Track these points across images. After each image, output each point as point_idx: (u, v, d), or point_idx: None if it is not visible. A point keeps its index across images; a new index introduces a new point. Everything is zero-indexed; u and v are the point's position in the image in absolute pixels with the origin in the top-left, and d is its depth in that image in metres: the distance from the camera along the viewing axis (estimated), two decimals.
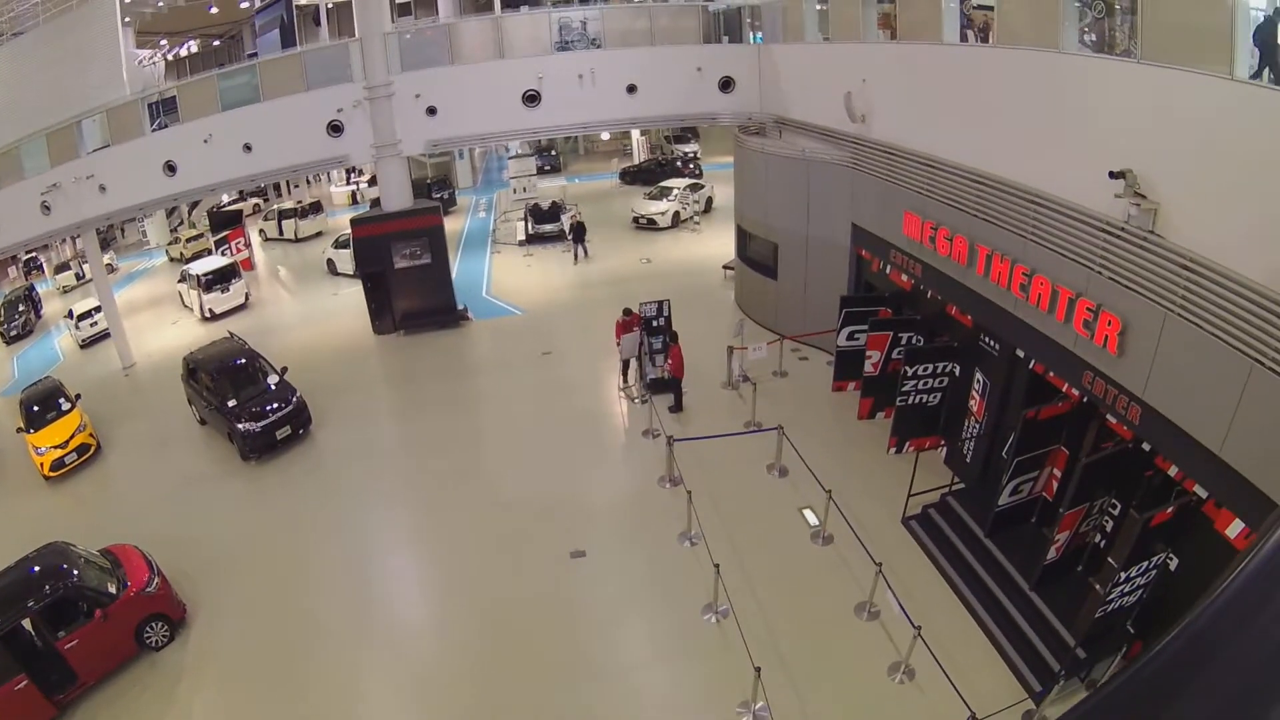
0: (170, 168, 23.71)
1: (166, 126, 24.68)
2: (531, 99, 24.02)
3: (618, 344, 19.88)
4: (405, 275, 25.79)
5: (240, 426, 19.61)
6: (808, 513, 14.66)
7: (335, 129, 23.93)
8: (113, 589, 14.28)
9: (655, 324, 19.29)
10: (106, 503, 19.64)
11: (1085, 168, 10.23)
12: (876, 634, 11.93)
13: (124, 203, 24.77)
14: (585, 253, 31.09)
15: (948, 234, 13.43)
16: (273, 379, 21.03)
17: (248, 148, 23.75)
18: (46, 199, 23.99)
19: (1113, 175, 9.48)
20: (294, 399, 20.57)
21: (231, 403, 19.97)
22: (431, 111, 24.10)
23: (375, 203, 33.18)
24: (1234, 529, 8.90)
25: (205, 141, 23.42)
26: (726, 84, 23.25)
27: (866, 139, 16.75)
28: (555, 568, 14.47)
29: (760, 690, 10.61)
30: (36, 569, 14.19)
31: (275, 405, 20.10)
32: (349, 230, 33.40)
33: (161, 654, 14.22)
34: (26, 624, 14.09)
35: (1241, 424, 8.36)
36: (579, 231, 31.07)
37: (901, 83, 15.64)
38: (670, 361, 18.46)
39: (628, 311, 19.50)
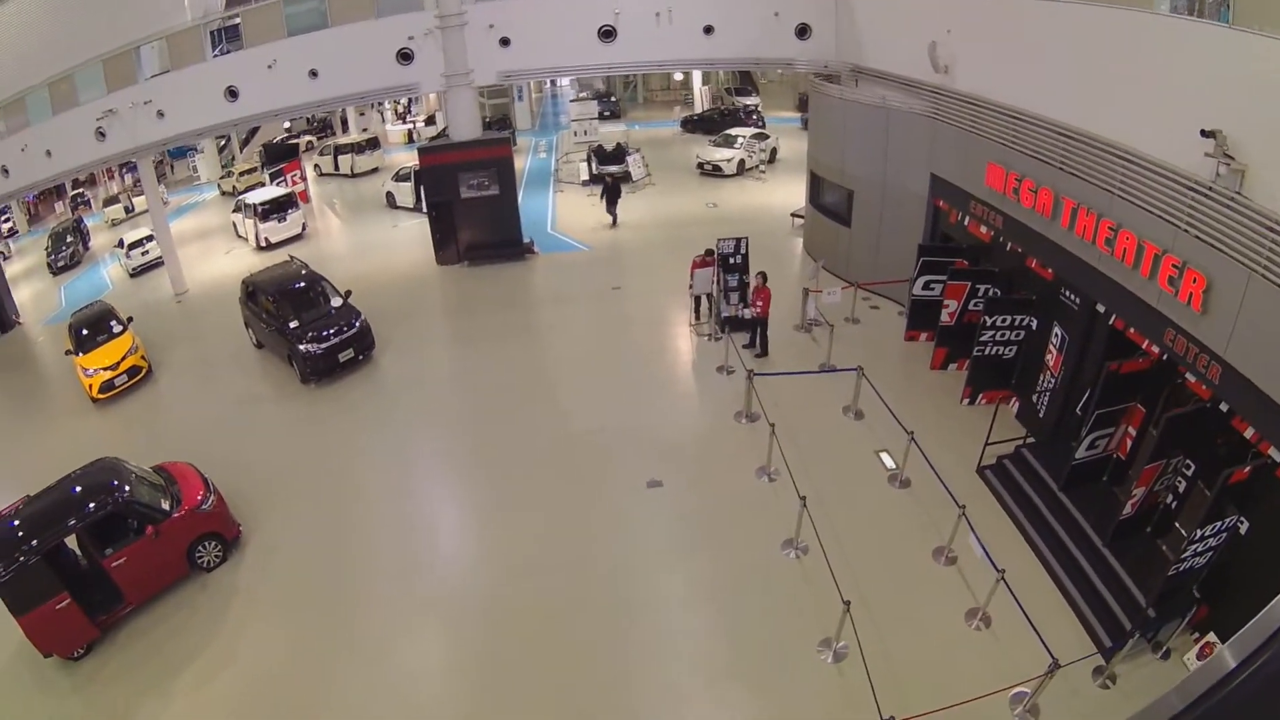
0: (232, 93, 24.43)
1: (229, 53, 25.24)
2: (607, 34, 24.37)
3: (690, 281, 20.28)
4: (471, 206, 26.29)
5: (301, 348, 19.84)
6: (884, 456, 14.98)
7: (405, 56, 24.45)
8: (166, 506, 14.14)
9: (732, 261, 19.61)
10: (158, 424, 19.90)
11: (1174, 126, 10.52)
12: (953, 579, 12.20)
13: (182, 128, 25.53)
14: (615, 219, 29.53)
15: (1032, 186, 13.71)
16: (336, 302, 21.27)
17: (314, 74, 24.41)
18: (102, 125, 24.71)
19: (1204, 134, 9.77)
20: (357, 322, 20.73)
21: (293, 324, 20.18)
22: (505, 43, 24.51)
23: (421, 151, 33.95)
24: None
25: (269, 67, 24.07)
26: (803, 30, 23.35)
27: (948, 89, 16.99)
28: (631, 497, 14.75)
29: (843, 627, 10.87)
30: (84, 484, 13.94)
31: (338, 328, 20.30)
32: (409, 164, 34.25)
33: (213, 575, 14.34)
34: (72, 541, 14.03)
35: None
36: (613, 192, 29.69)
37: (988, 35, 15.81)
38: (760, 303, 18.50)
39: (709, 252, 19.85)
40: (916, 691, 10.22)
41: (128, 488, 13.80)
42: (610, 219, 29.30)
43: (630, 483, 15.10)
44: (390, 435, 17.77)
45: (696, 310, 20.93)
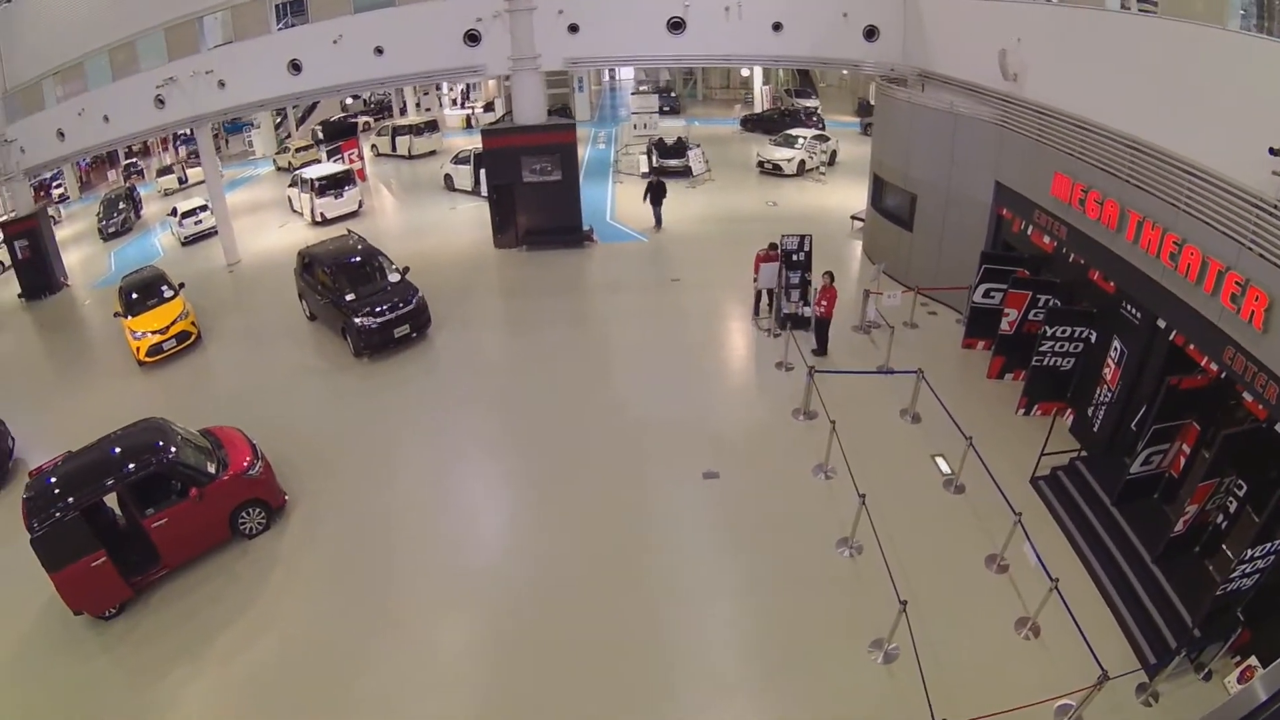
0: (295, 66, 25.05)
1: (293, 26, 25.93)
2: (676, 26, 24.76)
3: (755, 275, 20.49)
4: (533, 190, 26.69)
5: (357, 321, 19.97)
6: (940, 460, 15.10)
7: (472, 38, 24.97)
8: (211, 469, 14.13)
9: (795, 258, 19.81)
10: (205, 390, 20.20)
11: (1242, 143, 10.61)
12: (1005, 588, 12.23)
13: (243, 99, 26.26)
14: (660, 220, 28.84)
15: (1099, 197, 13.79)
16: (393, 277, 21.47)
17: (379, 51, 24.97)
18: (161, 92, 25.48)
19: (1272, 152, 9.86)
20: (414, 299, 20.90)
21: (349, 297, 20.36)
22: (573, 29, 24.96)
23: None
24: None
25: (335, 42, 24.70)
26: (871, 32, 23.58)
27: (1017, 97, 17.11)
28: (687, 487, 14.90)
29: (897, 629, 10.97)
30: (127, 443, 13.93)
31: (394, 303, 20.47)
32: (468, 148, 34.79)
33: (255, 542, 14.40)
34: (112, 500, 14.10)
35: None
36: (658, 192, 28.76)
37: (1059, 45, 15.92)
38: (825, 303, 18.60)
39: (773, 245, 20.10)
40: (964, 697, 10.32)
41: (173, 448, 13.84)
42: (655, 220, 28.88)
43: (686, 472, 15.26)
44: (442, 414, 17.95)
45: (757, 305, 21.15)
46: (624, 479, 15.36)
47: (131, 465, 13.36)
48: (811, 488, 14.78)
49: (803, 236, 19.89)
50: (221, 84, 25.52)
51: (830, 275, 18.74)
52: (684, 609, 12.34)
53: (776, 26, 24.40)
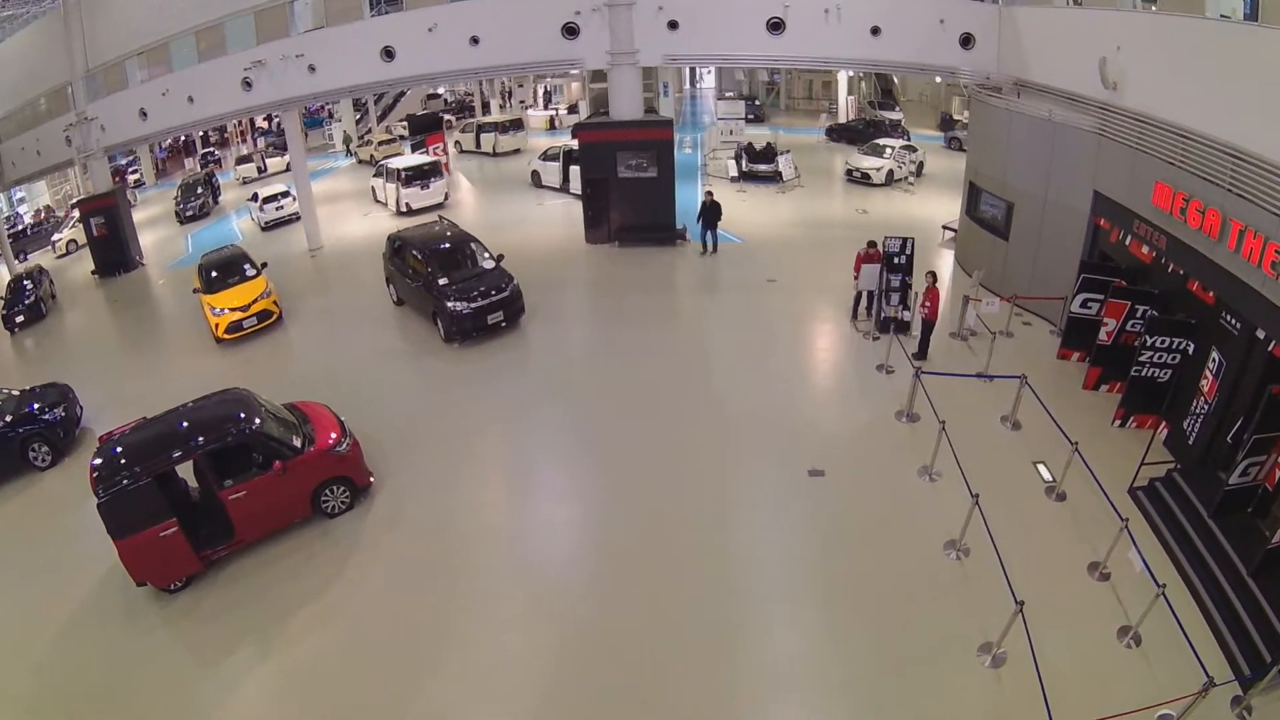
0: (388, 53, 25.86)
1: (386, 13, 26.59)
2: (775, 26, 25.22)
3: (855, 276, 20.80)
4: (627, 186, 27.15)
5: (449, 305, 20.27)
6: (1041, 467, 15.17)
7: (570, 31, 25.57)
8: (297, 443, 14.03)
9: (896, 261, 20.12)
10: (286, 368, 20.57)
11: None
12: (1106, 596, 12.27)
13: (334, 84, 27.12)
14: (714, 245, 26.93)
15: (1200, 206, 13.95)
16: (487, 263, 21.87)
17: (474, 40, 25.70)
18: (249, 75, 26.45)
19: None
20: (509, 286, 21.17)
21: (442, 281, 20.62)
22: (673, 25, 25.49)
23: (573, 130, 34.38)
24: None
25: (430, 30, 25.45)
26: (966, 40, 23.93)
27: (1115, 105, 17.32)
28: (793, 484, 15.05)
29: (1007, 632, 11.02)
30: (206, 413, 13.86)
31: (489, 289, 20.80)
32: (557, 145, 35.64)
33: (336, 521, 14.37)
34: (187, 468, 14.07)
35: None
36: (711, 214, 26.58)
37: (1160, 53, 16.13)
38: (928, 304, 18.71)
39: (871, 244, 20.42)
40: (1067, 703, 10.40)
41: (256, 419, 13.73)
42: (707, 246, 27.03)
43: (791, 470, 15.44)
44: (534, 405, 18.12)
45: (856, 308, 21.43)
46: (727, 476, 15.52)
47: (209, 434, 13.33)
48: (917, 489, 14.96)
49: (905, 239, 20.17)
50: (311, 68, 26.44)
51: (933, 276, 19.00)
52: (790, 609, 12.47)
53: (875, 31, 24.72)
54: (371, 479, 15.26)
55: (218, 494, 13.31)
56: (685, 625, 12.17)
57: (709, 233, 26.79)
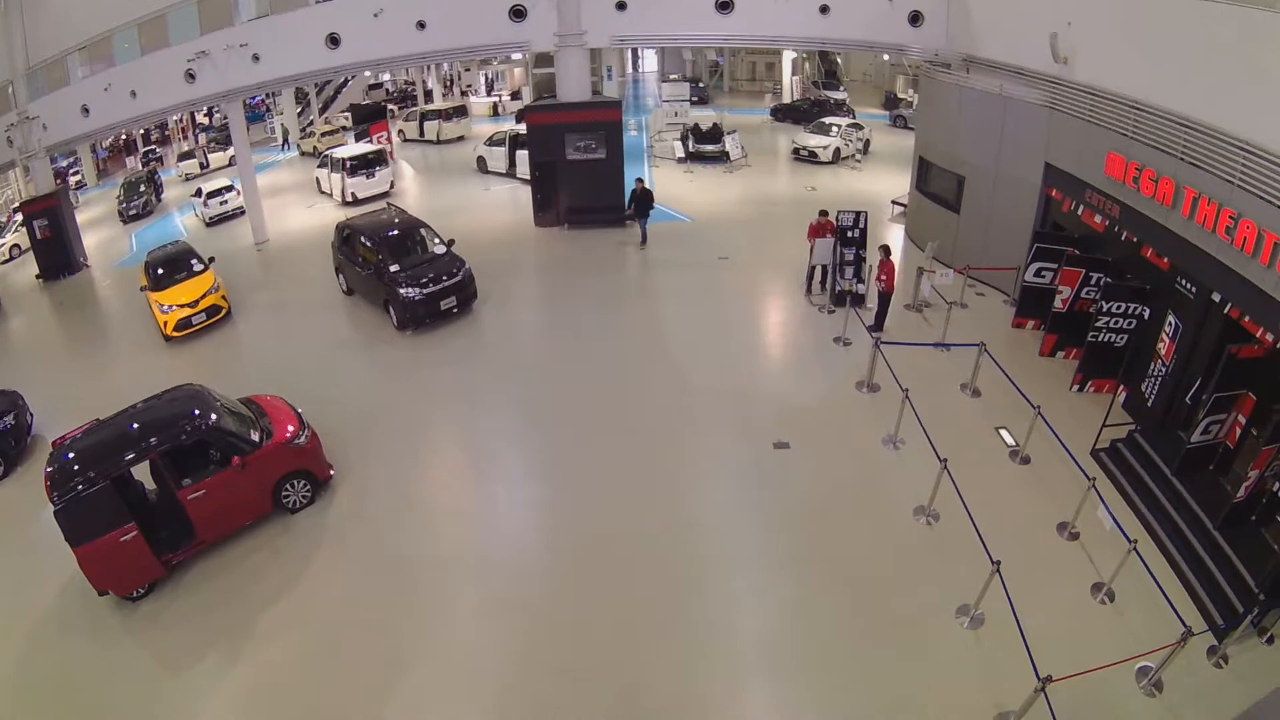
0: (334, 40, 25.56)
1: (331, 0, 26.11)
2: (724, 6, 25.33)
3: (810, 245, 21.01)
4: (576, 168, 27.16)
5: (402, 292, 20.10)
6: (1003, 433, 15.57)
7: (518, 13, 25.46)
8: (255, 438, 13.68)
9: (850, 234, 20.37)
10: (238, 364, 20.24)
11: None
12: (1077, 554, 12.60)
13: (278, 73, 26.75)
14: (643, 237, 26.23)
15: (1153, 175, 14.37)
16: (438, 249, 21.72)
17: (421, 25, 25.50)
18: (193, 67, 25.94)
19: None
20: (461, 271, 21.08)
21: (394, 268, 20.44)
22: (621, 6, 25.55)
23: (519, 114, 34.50)
24: None
25: (375, 16, 25.11)
26: (915, 17, 24.24)
27: (1066, 80, 17.78)
28: (759, 457, 15.19)
29: (985, 593, 11.16)
30: (160, 411, 13.44)
31: (440, 274, 20.66)
32: (503, 130, 35.72)
33: (298, 516, 14.13)
34: (144, 471, 13.71)
35: None
36: (643, 203, 25.78)
37: (1111, 27, 16.55)
38: (884, 277, 18.99)
39: (823, 213, 20.64)
40: (1047, 660, 10.38)
41: (212, 415, 13.37)
42: (639, 237, 26.44)
43: (756, 443, 15.60)
44: (492, 389, 18.07)
45: (810, 282, 21.72)
46: (691, 452, 15.62)
47: (164, 433, 12.93)
48: (883, 457, 15.21)
49: (858, 213, 20.56)
50: (256, 58, 26.06)
51: (887, 249, 19.37)
52: (766, 578, 12.58)
53: (824, 9, 24.96)
54: (332, 471, 15.09)
55: (176, 495, 12.97)
56: (657, 604, 12.16)
57: (640, 222, 26.23)
